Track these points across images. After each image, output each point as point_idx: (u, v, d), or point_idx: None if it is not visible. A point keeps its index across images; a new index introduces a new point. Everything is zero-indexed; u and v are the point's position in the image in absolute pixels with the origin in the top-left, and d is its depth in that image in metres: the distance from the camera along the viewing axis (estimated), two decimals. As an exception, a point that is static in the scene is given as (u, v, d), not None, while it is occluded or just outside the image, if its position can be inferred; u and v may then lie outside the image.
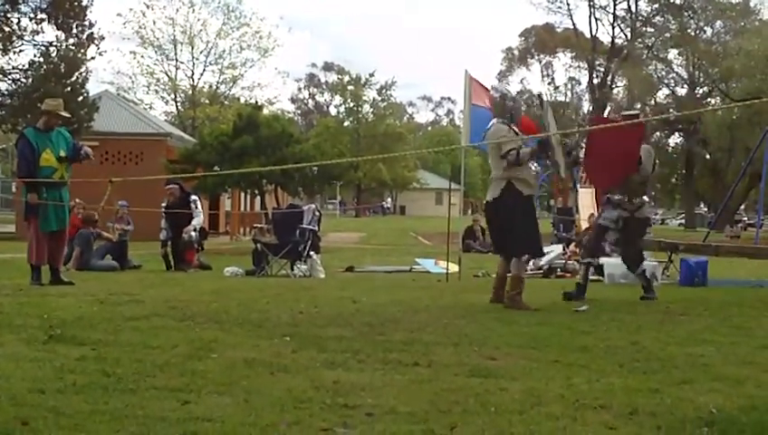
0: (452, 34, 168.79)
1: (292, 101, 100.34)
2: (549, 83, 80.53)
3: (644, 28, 63.80)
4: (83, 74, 31.29)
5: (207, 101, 63.14)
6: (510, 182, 9.04)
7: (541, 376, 5.01)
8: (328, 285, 12.21)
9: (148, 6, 60.48)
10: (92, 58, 32.59)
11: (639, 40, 63.37)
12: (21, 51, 31.76)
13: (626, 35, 64.89)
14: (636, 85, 58.77)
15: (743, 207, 59.62)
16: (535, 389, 4.63)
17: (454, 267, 11.96)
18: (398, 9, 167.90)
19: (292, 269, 15.11)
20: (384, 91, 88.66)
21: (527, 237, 9.13)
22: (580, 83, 77.83)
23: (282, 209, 19.00)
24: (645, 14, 63.96)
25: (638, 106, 60.08)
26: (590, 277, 10.76)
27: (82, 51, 31.43)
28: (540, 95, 12.95)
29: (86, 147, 11.56)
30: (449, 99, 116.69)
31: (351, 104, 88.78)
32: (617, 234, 10.23)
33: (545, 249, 18.87)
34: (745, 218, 56.81)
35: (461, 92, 12.41)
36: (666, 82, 62.31)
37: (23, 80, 31.04)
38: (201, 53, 62.52)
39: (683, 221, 66.07)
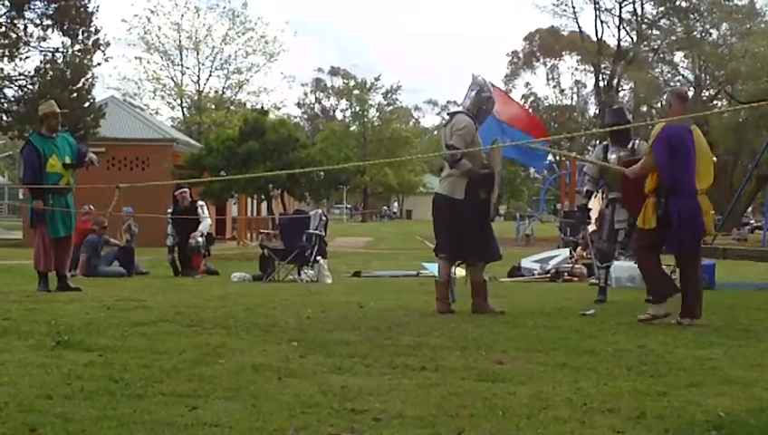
0: (458, 38, 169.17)
1: (299, 105, 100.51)
2: (554, 87, 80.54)
3: (650, 31, 63.74)
4: (89, 80, 31.36)
5: (213, 107, 63.10)
6: (471, 182, 8.72)
7: (548, 380, 5.01)
8: (335, 290, 12.21)
9: (153, 12, 60.34)
10: (98, 64, 32.69)
11: (645, 43, 63.32)
12: (27, 57, 31.85)
13: (632, 38, 64.84)
14: (642, 88, 58.72)
15: (750, 209, 59.49)
16: (543, 392, 4.63)
17: (461, 271, 11.93)
18: (404, 13, 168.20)
19: (299, 274, 15.11)
20: (390, 95, 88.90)
21: (487, 242, 8.91)
22: (585, 86, 77.74)
23: (288, 214, 19.00)
24: (651, 17, 63.91)
25: (644, 109, 60.13)
26: (593, 281, 10.80)
27: (88, 57, 31.48)
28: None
29: (91, 153, 11.58)
30: (455, 103, 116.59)
31: (357, 109, 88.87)
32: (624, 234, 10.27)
33: (553, 252, 18.96)
34: (752, 221, 56.64)
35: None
36: (672, 84, 62.20)
37: (29, 86, 31.11)
38: (207, 58, 62.48)
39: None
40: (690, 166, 8.05)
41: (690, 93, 59.76)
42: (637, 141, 10.29)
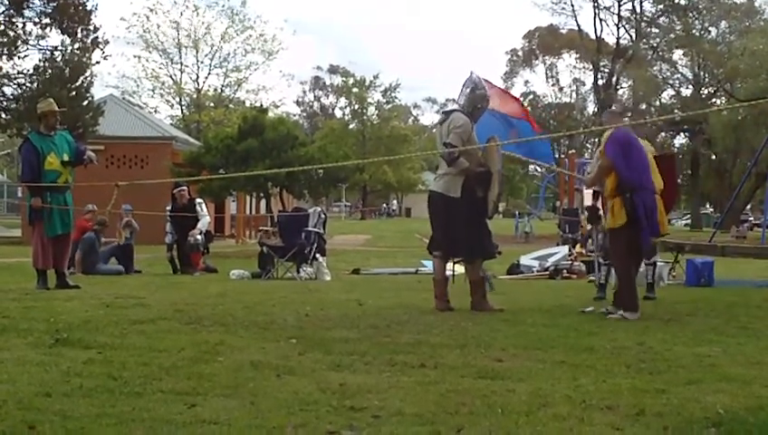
0: (456, 36, 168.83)
1: (298, 103, 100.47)
2: (553, 85, 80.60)
3: (649, 29, 63.80)
4: (88, 79, 31.34)
5: (212, 105, 63.07)
6: (467, 180, 8.73)
7: (547, 377, 5.01)
8: (334, 288, 12.22)
9: (152, 10, 60.24)
10: (97, 62, 32.68)
11: (644, 40, 63.37)
12: (26, 55, 31.85)
13: (631, 36, 64.91)
14: (641, 86, 58.79)
15: (749, 207, 59.55)
16: (542, 390, 4.63)
17: (460, 269, 11.97)
18: (403, 12, 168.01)
19: (298, 272, 15.11)
20: (389, 93, 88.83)
21: (482, 240, 8.91)
22: (584, 84, 77.92)
23: (287, 212, 19.00)
24: (650, 15, 63.99)
25: (644, 107, 60.16)
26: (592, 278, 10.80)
27: (87, 55, 31.46)
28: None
29: (89, 151, 11.57)
30: (454, 101, 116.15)
31: (356, 106, 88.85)
32: None
33: (552, 250, 18.97)
34: (751, 219, 56.72)
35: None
36: (670, 82, 62.31)
37: (28, 84, 31.10)
38: (206, 56, 62.45)
39: (689, 221, 66.05)
40: (644, 163, 8.44)
41: (689, 91, 59.98)
42: None
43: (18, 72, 31.42)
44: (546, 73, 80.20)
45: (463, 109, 8.94)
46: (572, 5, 65.82)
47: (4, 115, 31.38)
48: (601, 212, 10.98)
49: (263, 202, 31.40)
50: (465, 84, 9.06)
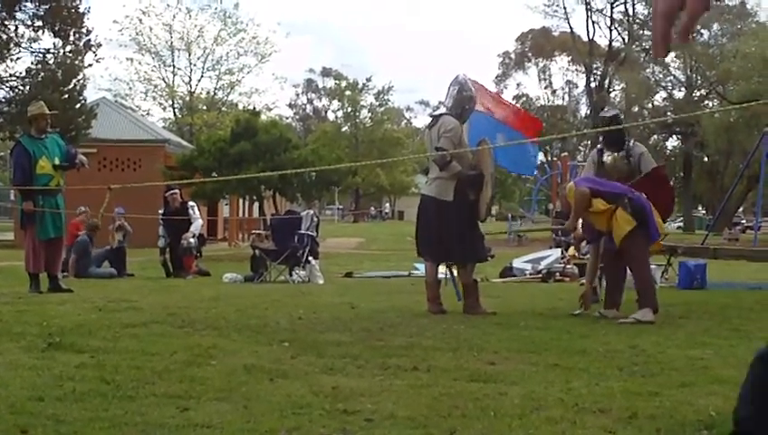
0: (449, 39, 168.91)
1: (291, 106, 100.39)
2: (546, 87, 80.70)
3: (641, 31, 63.84)
4: (81, 81, 31.34)
5: (205, 108, 63.05)
6: (459, 183, 8.72)
7: (540, 380, 5.01)
8: (326, 291, 12.21)
9: (144, 13, 60.22)
10: (90, 65, 32.70)
11: (637, 43, 63.44)
12: (18, 58, 31.88)
13: (623, 38, 65.02)
14: (633, 88, 58.83)
15: (741, 209, 59.63)
16: (534, 393, 4.63)
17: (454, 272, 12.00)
18: (398, 14, 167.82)
19: (291, 275, 15.11)
20: (381, 96, 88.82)
21: (474, 244, 8.91)
22: (577, 87, 78.05)
23: (280, 215, 19.00)
24: (642, 17, 64.01)
25: (636, 109, 60.23)
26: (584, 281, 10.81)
27: (80, 58, 31.46)
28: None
29: (80, 154, 11.57)
30: (441, 103, 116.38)
31: (349, 109, 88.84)
32: None
33: (544, 253, 18.98)
34: (743, 221, 56.81)
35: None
36: (663, 84, 62.37)
37: (20, 87, 31.10)
38: (198, 59, 62.47)
39: (681, 224, 66.14)
40: (620, 185, 8.61)
41: (681, 94, 60.07)
42: (631, 142, 10.20)
43: (10, 75, 31.41)
44: (539, 76, 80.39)
45: (451, 111, 8.93)
46: (565, 8, 65.98)
47: (-4, 118, 31.37)
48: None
49: (255, 205, 31.41)
50: (452, 85, 9.06)
